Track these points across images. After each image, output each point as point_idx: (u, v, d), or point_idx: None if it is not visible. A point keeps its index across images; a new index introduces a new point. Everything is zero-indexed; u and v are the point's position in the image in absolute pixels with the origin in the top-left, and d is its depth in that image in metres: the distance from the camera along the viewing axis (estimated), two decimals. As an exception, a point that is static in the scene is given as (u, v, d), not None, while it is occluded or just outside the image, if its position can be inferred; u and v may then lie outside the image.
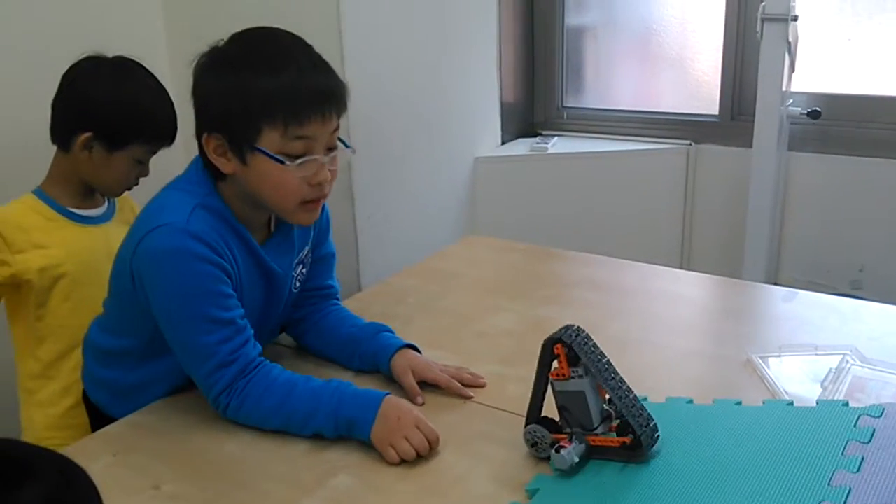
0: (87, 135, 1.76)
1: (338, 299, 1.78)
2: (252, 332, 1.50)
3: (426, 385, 1.56)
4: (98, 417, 1.65)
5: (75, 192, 1.85)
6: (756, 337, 1.72)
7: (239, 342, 1.46)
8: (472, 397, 1.55)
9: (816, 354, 1.60)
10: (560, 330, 1.30)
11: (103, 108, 1.77)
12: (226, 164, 1.46)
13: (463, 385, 1.56)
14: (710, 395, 1.46)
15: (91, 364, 1.69)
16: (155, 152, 1.85)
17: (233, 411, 1.46)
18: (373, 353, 1.62)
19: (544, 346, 1.31)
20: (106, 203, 1.92)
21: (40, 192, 1.84)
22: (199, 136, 1.48)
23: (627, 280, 2.07)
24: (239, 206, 1.50)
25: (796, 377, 1.53)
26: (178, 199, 1.47)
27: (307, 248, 1.66)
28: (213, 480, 1.34)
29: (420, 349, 1.63)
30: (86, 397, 1.72)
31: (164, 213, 1.46)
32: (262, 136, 1.41)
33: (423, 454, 1.37)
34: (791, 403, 1.40)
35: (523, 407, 1.35)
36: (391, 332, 1.67)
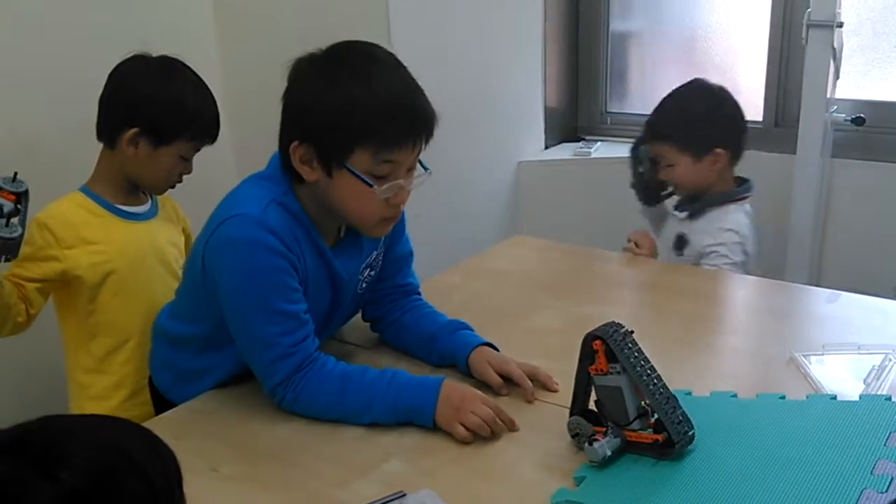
0: (134, 130, 1.79)
1: (419, 294, 1.79)
2: (313, 327, 1.52)
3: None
4: (160, 403, 1.71)
5: (121, 189, 1.89)
6: (799, 336, 1.73)
7: (300, 336, 1.49)
8: (532, 402, 1.53)
9: (859, 353, 1.61)
10: (600, 326, 1.32)
11: (151, 104, 1.81)
12: (310, 173, 1.47)
13: (537, 383, 1.56)
14: (754, 391, 1.48)
15: (158, 348, 1.74)
16: (199, 149, 1.89)
17: (288, 404, 1.49)
18: (451, 350, 1.64)
19: (584, 342, 1.33)
20: (149, 200, 1.96)
21: (87, 190, 1.87)
22: (284, 141, 1.48)
23: (672, 281, 2.08)
24: (313, 209, 1.52)
25: (839, 374, 1.55)
26: (255, 193, 1.50)
27: (375, 253, 1.66)
28: (269, 463, 1.39)
29: (497, 347, 1.63)
30: (151, 383, 1.77)
31: (241, 204, 1.49)
32: (353, 155, 1.43)
33: (493, 426, 1.40)
34: (834, 398, 1.42)
35: (569, 400, 1.37)
36: (470, 329, 1.68)
